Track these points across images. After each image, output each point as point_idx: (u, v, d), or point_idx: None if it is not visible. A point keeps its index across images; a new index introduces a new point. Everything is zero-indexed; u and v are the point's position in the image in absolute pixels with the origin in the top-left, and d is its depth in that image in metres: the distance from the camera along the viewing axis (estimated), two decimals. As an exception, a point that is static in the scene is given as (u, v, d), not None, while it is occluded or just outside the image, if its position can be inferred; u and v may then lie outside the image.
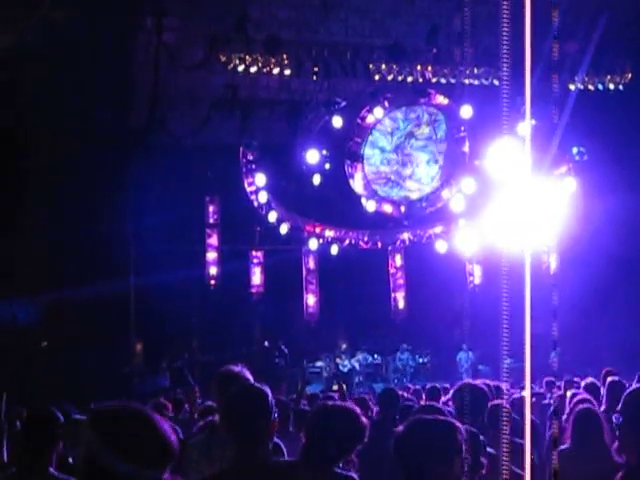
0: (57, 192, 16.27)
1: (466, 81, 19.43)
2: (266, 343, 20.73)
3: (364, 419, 3.95)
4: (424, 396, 9.71)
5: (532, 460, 2.81)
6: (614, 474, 3.51)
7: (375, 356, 21.42)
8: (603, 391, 7.48)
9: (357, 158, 21.31)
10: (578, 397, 6.58)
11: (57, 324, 16.29)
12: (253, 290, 21.34)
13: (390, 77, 19.17)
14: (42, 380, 13.92)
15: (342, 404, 4.31)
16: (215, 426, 4.46)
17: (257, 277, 21.42)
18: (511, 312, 2.42)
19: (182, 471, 4.09)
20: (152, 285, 17.56)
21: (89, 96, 15.89)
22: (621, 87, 19.97)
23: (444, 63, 19.26)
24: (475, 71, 19.14)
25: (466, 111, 19.96)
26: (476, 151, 20.64)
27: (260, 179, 20.41)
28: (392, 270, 22.59)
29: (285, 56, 18.42)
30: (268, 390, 3.64)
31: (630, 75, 19.93)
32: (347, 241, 21.74)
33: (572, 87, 18.30)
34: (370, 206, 21.43)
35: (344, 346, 21.56)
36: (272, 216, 20.82)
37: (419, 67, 19.22)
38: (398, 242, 22.20)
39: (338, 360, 20.86)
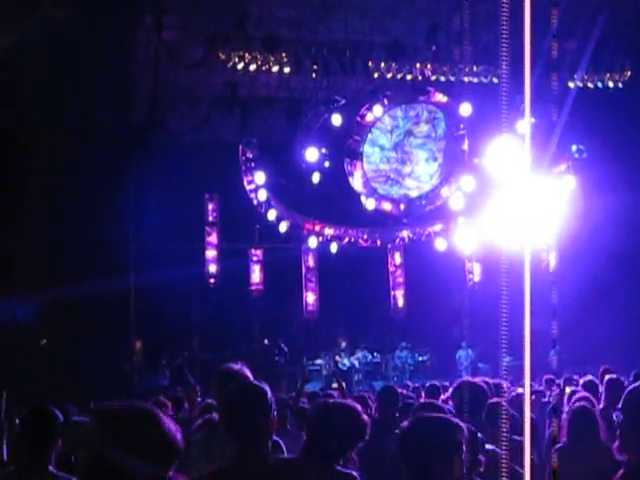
0: (57, 192, 16.26)
1: (465, 79, 19.43)
2: (266, 341, 20.74)
3: (365, 417, 3.95)
4: (423, 394, 9.70)
5: (532, 458, 2.81)
6: (609, 472, 3.52)
7: (375, 354, 21.42)
8: (601, 389, 7.49)
9: (356, 156, 21.31)
10: (577, 395, 6.58)
11: (57, 323, 16.28)
12: (253, 288, 21.34)
13: (389, 75, 19.18)
14: (42, 379, 13.92)
15: (343, 402, 4.31)
16: (215, 424, 4.46)
17: (257, 275, 21.43)
18: (511, 310, 2.42)
19: (182, 469, 4.09)
20: (152, 283, 17.56)
21: (89, 96, 15.89)
22: (620, 85, 19.96)
23: (443, 61, 19.25)
24: (474, 69, 19.14)
25: (465, 109, 19.96)
26: (475, 149, 20.64)
27: (260, 177, 20.41)
28: (391, 268, 22.59)
29: (284, 54, 18.42)
30: (267, 388, 3.64)
31: (629, 73, 19.93)
32: (347, 239, 21.74)
33: (571, 85, 18.30)
34: (369, 204, 21.43)
35: (344, 344, 21.56)
36: (272, 214, 20.82)
37: (418, 65, 19.22)
38: (397, 240, 22.19)
39: (338, 358, 20.87)
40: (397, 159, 21.66)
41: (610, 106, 19.04)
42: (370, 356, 21.33)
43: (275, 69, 18.46)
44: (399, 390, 8.12)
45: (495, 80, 18.60)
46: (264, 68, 18.37)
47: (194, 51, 17.42)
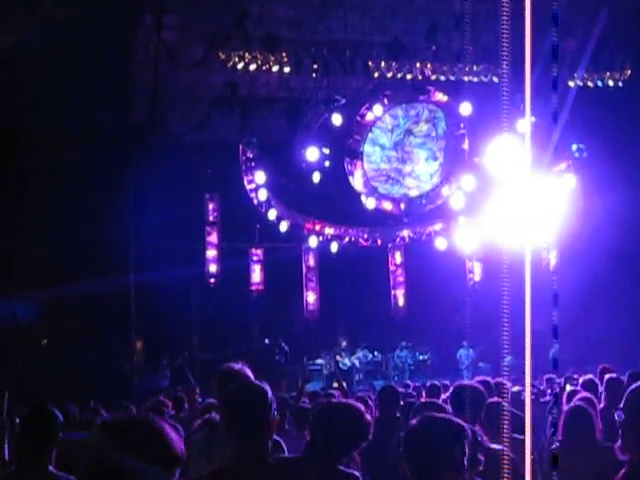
0: (57, 192, 16.25)
1: (465, 78, 19.43)
2: (266, 341, 20.74)
3: (368, 417, 3.95)
4: (424, 393, 9.70)
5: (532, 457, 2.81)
6: (610, 471, 3.51)
7: (375, 353, 21.41)
8: (601, 388, 7.47)
9: (357, 155, 21.31)
10: (578, 396, 6.57)
11: (57, 322, 16.29)
12: (253, 288, 21.34)
13: (389, 74, 19.18)
14: (42, 378, 13.92)
15: (346, 402, 4.31)
16: (215, 424, 4.46)
17: (257, 275, 21.43)
18: (511, 309, 2.42)
19: (182, 469, 4.08)
20: (152, 283, 17.57)
21: (89, 96, 15.89)
22: (620, 84, 19.98)
23: (443, 60, 19.26)
24: (475, 68, 19.14)
25: (465, 108, 19.97)
26: (476, 148, 20.64)
27: (260, 177, 20.41)
28: (392, 267, 22.59)
29: (284, 54, 18.42)
30: (268, 388, 3.64)
31: (629, 72, 19.94)
32: (347, 238, 21.74)
33: (572, 84, 18.31)
34: (370, 203, 21.43)
35: (344, 343, 21.55)
36: (272, 214, 20.82)
37: (418, 64, 19.23)
38: (398, 239, 22.20)
39: (338, 357, 20.85)
40: (397, 158, 21.66)
41: (610, 105, 19.05)
42: (371, 355, 21.32)
43: (275, 69, 18.47)
44: (400, 389, 8.11)
45: (495, 79, 18.61)
46: (264, 68, 18.38)
47: (194, 51, 17.42)
